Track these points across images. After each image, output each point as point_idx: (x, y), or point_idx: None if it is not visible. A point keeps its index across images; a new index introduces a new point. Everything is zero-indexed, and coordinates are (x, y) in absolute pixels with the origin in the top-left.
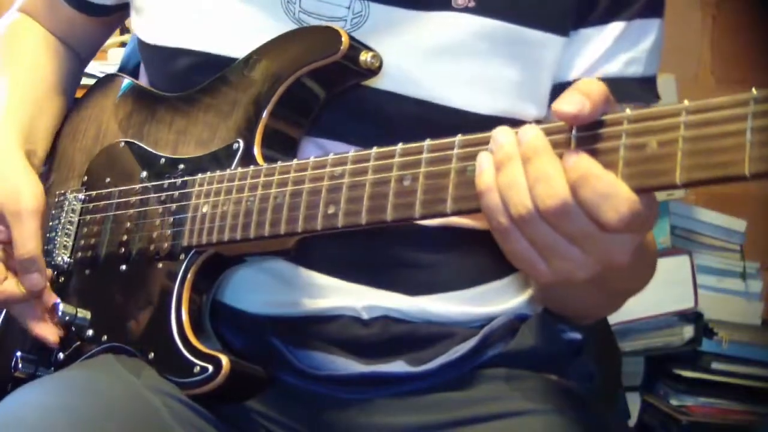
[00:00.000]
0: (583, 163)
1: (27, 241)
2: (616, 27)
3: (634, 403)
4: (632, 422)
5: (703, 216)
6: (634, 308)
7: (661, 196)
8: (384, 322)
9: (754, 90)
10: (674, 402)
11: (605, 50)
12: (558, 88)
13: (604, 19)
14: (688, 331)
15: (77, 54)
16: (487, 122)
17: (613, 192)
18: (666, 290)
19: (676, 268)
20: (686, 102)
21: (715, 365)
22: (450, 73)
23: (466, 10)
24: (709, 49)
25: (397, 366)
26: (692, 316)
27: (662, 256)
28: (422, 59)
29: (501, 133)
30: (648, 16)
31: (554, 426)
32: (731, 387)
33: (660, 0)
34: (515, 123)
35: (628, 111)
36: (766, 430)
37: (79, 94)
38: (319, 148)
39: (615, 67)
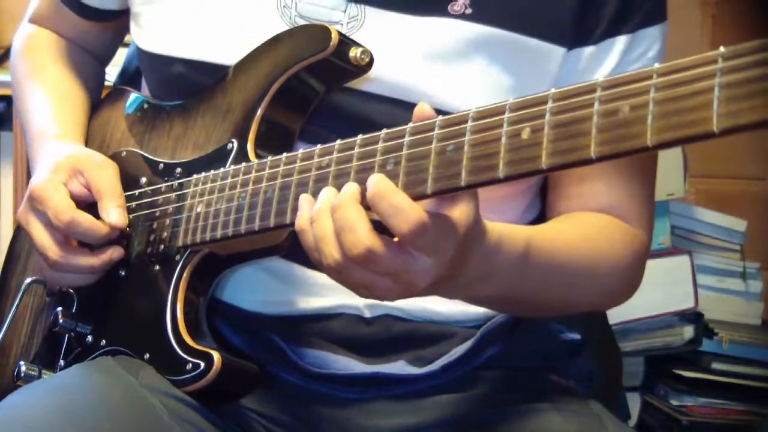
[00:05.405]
0: (381, 182)
1: (105, 175)
2: (620, 42)
3: (634, 403)
4: (632, 422)
5: (703, 216)
6: (634, 308)
7: (661, 196)
8: (386, 321)
9: (722, 47)
10: (674, 402)
11: (614, 67)
12: None
13: (608, 34)
14: (688, 331)
15: (95, 57)
16: None
17: (403, 207)
18: (666, 290)
19: (676, 268)
20: (656, 65)
21: (715, 365)
22: (445, 78)
23: (462, 16)
24: (709, 49)
25: (399, 366)
26: (692, 316)
27: (662, 256)
28: (417, 64)
29: (323, 191)
30: (652, 23)
31: (553, 426)
32: (731, 387)
33: (660, 5)
34: None
35: (599, 78)
36: (766, 430)
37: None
38: None
39: None
